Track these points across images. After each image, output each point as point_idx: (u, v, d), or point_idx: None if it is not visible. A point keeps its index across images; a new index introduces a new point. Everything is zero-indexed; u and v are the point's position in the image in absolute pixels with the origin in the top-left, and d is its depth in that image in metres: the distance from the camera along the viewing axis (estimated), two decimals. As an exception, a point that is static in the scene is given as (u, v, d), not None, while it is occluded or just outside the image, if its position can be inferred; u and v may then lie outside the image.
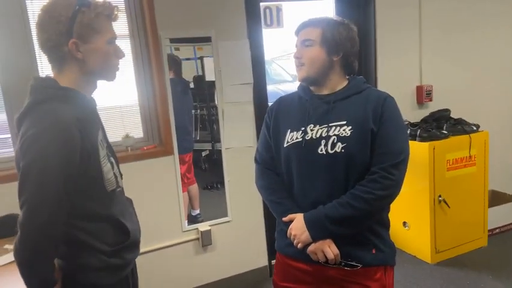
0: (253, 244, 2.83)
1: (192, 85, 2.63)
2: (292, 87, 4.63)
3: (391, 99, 1.38)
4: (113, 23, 1.20)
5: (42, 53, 1.16)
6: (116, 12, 1.18)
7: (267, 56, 2.87)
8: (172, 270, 2.63)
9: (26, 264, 1.06)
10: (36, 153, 1.02)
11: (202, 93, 2.66)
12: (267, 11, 2.73)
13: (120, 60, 1.22)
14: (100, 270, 1.18)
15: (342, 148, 1.30)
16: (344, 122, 1.33)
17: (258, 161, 1.51)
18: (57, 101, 1.10)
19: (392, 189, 1.29)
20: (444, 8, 3.26)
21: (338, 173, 1.32)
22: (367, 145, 1.30)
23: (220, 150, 2.67)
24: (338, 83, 1.42)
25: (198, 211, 2.70)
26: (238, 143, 2.70)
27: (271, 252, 2.87)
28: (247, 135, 2.71)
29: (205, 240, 2.67)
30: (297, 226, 1.33)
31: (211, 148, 2.69)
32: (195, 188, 2.69)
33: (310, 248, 1.33)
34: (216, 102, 2.63)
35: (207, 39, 2.55)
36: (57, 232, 1.09)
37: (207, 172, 2.71)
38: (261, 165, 1.49)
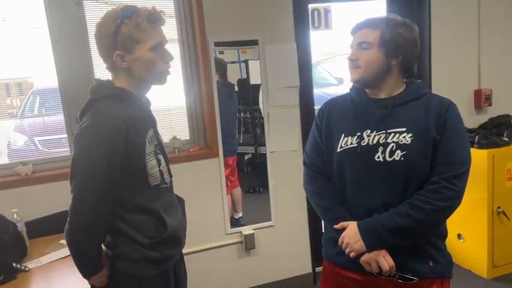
0: (297, 250, 2.79)
1: (235, 88, 2.63)
2: (338, 90, 4.57)
3: (454, 106, 1.31)
4: (162, 27, 1.24)
5: (97, 59, 1.29)
6: (161, 17, 1.22)
7: (312, 59, 2.82)
8: (215, 272, 2.65)
9: (75, 244, 1.16)
10: (84, 143, 1.13)
11: (246, 96, 2.68)
12: (315, 12, 2.72)
13: (170, 63, 1.27)
14: (138, 261, 1.23)
15: (401, 156, 1.26)
16: (404, 129, 1.27)
17: (307, 165, 1.47)
18: (111, 99, 1.21)
19: (453, 200, 1.24)
20: (503, 5, 3.05)
21: (396, 181, 1.27)
22: (428, 154, 1.25)
23: (263, 153, 2.67)
24: (396, 87, 1.36)
25: (240, 214, 2.72)
26: (283, 147, 2.68)
27: (316, 259, 2.81)
28: (292, 139, 2.69)
29: (248, 244, 2.66)
30: (350, 235, 1.29)
31: (254, 151, 2.70)
32: (238, 191, 2.71)
33: (364, 258, 1.28)
34: (260, 105, 2.63)
35: (252, 43, 2.56)
36: (103, 217, 1.16)
37: (249, 175, 2.72)
38: (311, 169, 1.45)
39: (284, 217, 2.74)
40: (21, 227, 1.89)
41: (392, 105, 1.32)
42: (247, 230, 2.68)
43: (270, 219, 2.73)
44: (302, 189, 2.62)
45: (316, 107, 2.75)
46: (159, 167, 1.27)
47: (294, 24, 2.60)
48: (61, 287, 1.46)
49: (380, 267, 1.26)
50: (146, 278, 1.25)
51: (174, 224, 1.31)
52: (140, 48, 1.20)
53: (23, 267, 1.62)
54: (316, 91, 2.81)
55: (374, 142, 1.29)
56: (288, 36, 2.60)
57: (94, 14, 2.32)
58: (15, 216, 1.92)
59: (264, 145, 2.66)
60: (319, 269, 2.77)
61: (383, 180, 1.27)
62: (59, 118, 2.42)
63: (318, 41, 2.82)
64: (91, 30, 2.12)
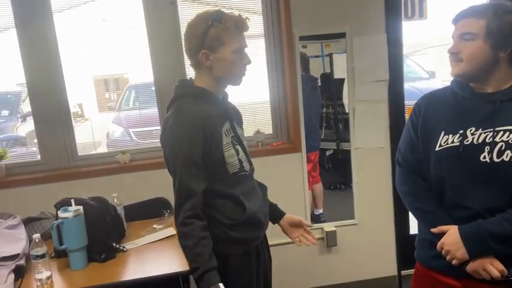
0: (381, 251, 2.71)
1: (318, 83, 2.63)
2: (429, 85, 4.28)
3: None
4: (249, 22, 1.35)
5: (188, 58, 1.39)
6: (246, 24, 1.33)
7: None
8: (296, 267, 2.65)
9: (186, 243, 1.29)
10: (172, 141, 1.30)
11: (329, 91, 2.64)
12: (409, 1, 2.56)
13: (252, 62, 1.38)
14: (224, 241, 1.36)
15: (511, 157, 1.16)
16: None
17: (400, 164, 1.41)
18: (190, 98, 1.35)
19: None
20: None
21: (503, 184, 1.18)
22: None
23: (346, 150, 2.63)
24: (504, 80, 1.24)
25: (321, 210, 2.71)
26: (369, 144, 2.62)
27: (402, 262, 2.70)
28: (379, 136, 2.62)
29: (330, 241, 2.63)
30: (451, 241, 1.23)
31: (336, 147, 2.68)
32: (319, 186, 2.69)
33: (470, 267, 1.23)
34: (344, 100, 2.59)
35: (338, 35, 2.51)
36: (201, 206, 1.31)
37: (330, 172, 2.71)
38: (405, 168, 1.39)
39: (368, 216, 2.67)
40: (121, 211, 2.00)
41: (501, 99, 1.21)
42: (329, 226, 2.65)
43: (353, 217, 2.69)
44: (388, 188, 2.54)
45: (407, 102, 2.63)
46: (237, 156, 1.38)
47: (384, 14, 2.51)
48: (155, 267, 1.55)
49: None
50: (230, 257, 1.37)
51: (253, 207, 1.40)
52: (225, 49, 1.30)
53: (121, 248, 1.72)
54: (405, 85, 2.68)
55: (480, 141, 1.20)
56: (377, 27, 2.52)
57: (187, 14, 2.42)
58: (115, 201, 2.03)
59: (347, 141, 2.63)
60: (405, 272, 2.66)
61: (488, 182, 1.19)
62: (153, 111, 2.54)
63: (408, 31, 2.64)
64: (184, 29, 2.26)
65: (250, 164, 1.46)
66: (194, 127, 1.29)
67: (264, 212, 1.49)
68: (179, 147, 1.29)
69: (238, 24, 1.31)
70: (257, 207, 1.43)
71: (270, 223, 1.60)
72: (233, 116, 1.45)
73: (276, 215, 1.62)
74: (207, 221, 1.32)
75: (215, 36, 1.29)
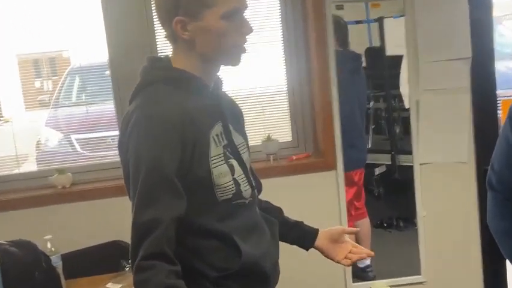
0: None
1: (363, 62, 2.66)
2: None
3: None
4: None
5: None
6: None
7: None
8: None
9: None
10: (135, 146, 1.28)
11: (378, 75, 2.67)
12: None
13: (258, 30, 1.44)
14: None
15: None
16: None
17: (495, 187, 1.44)
18: (164, 84, 1.34)
19: None
20: None
21: None
22: None
23: (407, 166, 2.62)
24: None
25: (368, 261, 2.70)
26: (443, 157, 2.59)
27: None
28: (458, 144, 2.59)
29: (383, 310, 2.60)
30: None
31: (390, 162, 2.70)
32: (365, 224, 2.71)
33: None
34: (402, 89, 2.59)
35: None
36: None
37: (382, 200, 2.75)
38: (502, 194, 1.42)
39: (442, 270, 2.64)
40: (57, 261, 1.98)
41: None
42: (380, 285, 2.61)
43: (418, 272, 2.65)
44: (473, 225, 2.51)
45: (500, 92, 2.65)
46: (233, 175, 1.36)
47: (465, -43, 2.51)
48: None
49: None
50: None
51: (254, 252, 1.38)
52: (210, 14, 1.29)
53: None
54: (498, 65, 2.69)
55: None
56: None
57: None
58: (48, 246, 2.01)
59: (407, 153, 2.61)
60: None
61: None
62: (107, 108, 2.53)
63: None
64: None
65: (253, 187, 1.45)
66: (168, 126, 1.28)
67: (272, 259, 1.48)
68: (143, 155, 1.27)
69: None
70: (260, 252, 1.42)
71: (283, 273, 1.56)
72: (229, 115, 1.44)
73: (305, 236, 1.64)
74: (181, 268, 1.28)
75: None
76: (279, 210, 1.64)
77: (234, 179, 1.36)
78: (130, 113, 1.33)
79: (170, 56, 1.42)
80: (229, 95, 1.55)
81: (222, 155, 1.35)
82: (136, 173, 1.28)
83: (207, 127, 1.34)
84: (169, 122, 1.28)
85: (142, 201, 1.26)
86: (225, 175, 1.34)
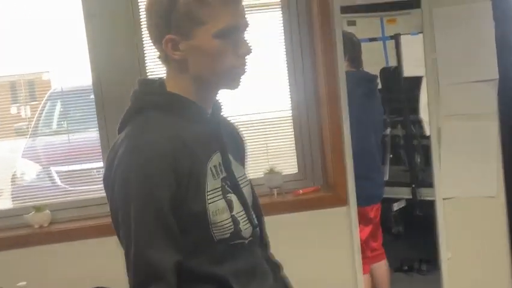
0: None
1: (378, 84, 2.68)
2: None
3: None
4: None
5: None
6: None
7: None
8: None
9: None
10: (124, 180, 1.28)
11: (395, 98, 2.70)
12: None
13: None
14: None
15: None
16: None
17: None
18: (157, 110, 1.35)
19: None
20: None
21: None
22: None
23: (428, 201, 2.69)
24: None
25: None
26: (469, 190, 2.61)
27: None
28: (486, 176, 2.61)
29: None
30: None
31: (410, 197, 2.75)
32: (383, 267, 2.74)
33: None
34: (422, 114, 2.65)
35: (408, 5, 2.61)
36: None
37: (401, 241, 2.84)
38: None
39: None
40: None
41: None
42: None
43: None
44: (504, 267, 2.51)
45: None
46: (231, 212, 1.36)
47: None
48: None
49: None
50: None
51: None
52: (202, 32, 1.30)
53: None
54: None
55: None
56: None
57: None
58: None
59: (428, 186, 2.67)
60: None
61: None
62: (90, 137, 2.51)
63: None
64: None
65: (254, 225, 1.44)
66: (159, 157, 1.28)
67: None
68: (135, 192, 1.27)
69: None
70: None
71: None
72: (229, 143, 1.45)
73: None
74: None
75: (184, 11, 1.30)
76: (279, 267, 1.60)
77: (233, 216, 1.36)
78: (118, 144, 1.33)
79: (164, 78, 1.42)
80: (230, 121, 1.55)
81: (220, 188, 1.35)
82: (126, 212, 1.28)
83: (203, 157, 1.34)
84: (160, 152, 1.28)
85: (140, 243, 1.26)
86: (222, 212, 1.34)
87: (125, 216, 1.29)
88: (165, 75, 1.42)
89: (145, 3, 1.38)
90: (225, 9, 1.31)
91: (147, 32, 1.41)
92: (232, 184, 1.39)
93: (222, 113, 1.48)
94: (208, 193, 1.31)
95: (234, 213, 1.36)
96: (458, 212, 2.59)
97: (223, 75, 1.36)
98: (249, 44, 1.36)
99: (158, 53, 1.40)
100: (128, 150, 1.30)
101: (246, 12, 1.36)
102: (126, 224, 1.28)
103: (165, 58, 1.38)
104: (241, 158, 1.52)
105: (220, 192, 1.34)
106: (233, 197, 1.38)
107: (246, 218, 1.41)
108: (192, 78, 1.37)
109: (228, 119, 1.55)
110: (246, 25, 1.36)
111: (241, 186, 1.43)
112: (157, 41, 1.35)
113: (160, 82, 1.42)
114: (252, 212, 1.45)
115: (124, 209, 1.29)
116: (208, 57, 1.33)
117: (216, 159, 1.36)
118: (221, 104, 1.46)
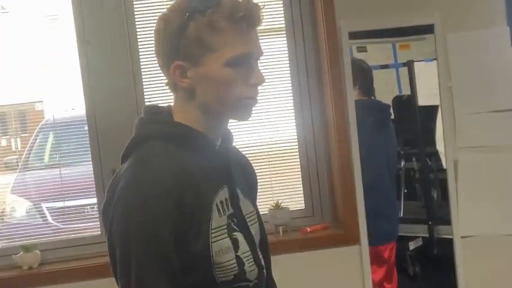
0: None
1: (391, 114, 2.70)
2: None
3: None
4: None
5: (151, 71, 1.46)
6: (255, 14, 1.30)
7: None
8: None
9: None
10: (124, 216, 1.25)
11: (410, 129, 2.70)
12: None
13: (264, 83, 1.35)
14: None
15: None
16: None
17: None
18: (162, 140, 1.33)
19: None
20: None
21: None
22: None
23: (446, 239, 2.64)
24: None
25: None
26: (489, 228, 2.58)
27: None
28: (506, 213, 2.57)
29: None
30: None
31: (427, 235, 2.71)
32: None
33: None
34: (438, 146, 2.65)
35: (422, 30, 2.57)
36: None
37: (418, 281, 2.72)
38: None
39: None
40: None
41: None
42: None
43: None
44: None
45: None
46: (236, 252, 1.33)
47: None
48: None
49: None
50: None
51: None
52: (212, 60, 1.30)
53: None
54: None
55: None
56: (492, 15, 2.57)
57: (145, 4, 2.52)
58: None
59: (446, 223, 2.63)
60: None
61: None
62: (84, 171, 2.54)
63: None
64: (141, 26, 2.39)
65: (260, 267, 1.41)
66: (162, 192, 1.25)
67: None
68: (136, 233, 1.24)
69: (236, 15, 1.27)
70: None
71: None
72: (239, 177, 1.43)
73: None
74: None
75: (194, 37, 1.29)
76: None
77: (237, 257, 1.33)
78: (120, 176, 1.31)
79: (172, 105, 1.41)
80: (242, 152, 1.53)
81: (226, 226, 1.32)
82: (125, 251, 1.25)
83: (210, 193, 1.32)
84: (163, 186, 1.25)
85: (141, 284, 1.23)
86: (226, 252, 1.31)
87: (124, 256, 1.25)
88: (173, 103, 1.41)
89: (154, 27, 1.37)
90: (237, 36, 1.30)
91: (146, 59, 1.41)
92: (239, 222, 1.37)
93: (232, 144, 1.47)
94: (212, 231, 1.29)
95: (239, 253, 1.34)
96: (479, 252, 2.56)
97: (231, 105, 1.34)
98: (262, 73, 1.35)
99: (167, 80, 1.40)
100: (129, 184, 1.27)
101: (259, 40, 1.35)
102: (124, 264, 1.25)
103: (173, 85, 1.37)
104: (251, 192, 1.49)
105: (226, 231, 1.32)
106: (239, 236, 1.35)
107: (252, 260, 1.38)
108: (200, 107, 1.36)
109: (239, 150, 1.54)
110: (260, 53, 1.35)
111: (249, 224, 1.41)
112: (165, 67, 1.34)
113: (167, 110, 1.41)
114: (260, 253, 1.42)
115: (123, 248, 1.26)
116: (216, 86, 1.32)
117: (222, 194, 1.35)
118: (231, 134, 1.45)
